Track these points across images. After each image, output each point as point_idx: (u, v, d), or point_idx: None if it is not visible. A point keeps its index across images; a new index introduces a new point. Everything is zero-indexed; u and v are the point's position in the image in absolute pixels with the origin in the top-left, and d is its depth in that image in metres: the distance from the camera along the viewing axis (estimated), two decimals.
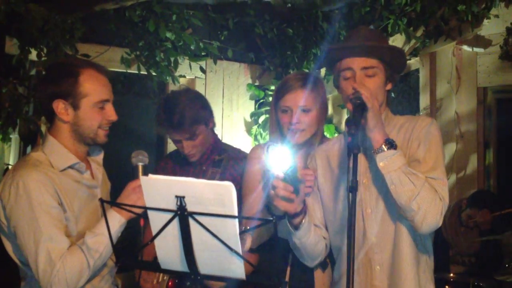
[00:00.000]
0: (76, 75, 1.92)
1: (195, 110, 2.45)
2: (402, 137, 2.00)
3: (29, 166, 1.91)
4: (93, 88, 1.94)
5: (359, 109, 1.83)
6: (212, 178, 2.50)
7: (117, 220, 1.93)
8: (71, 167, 1.98)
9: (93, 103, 1.95)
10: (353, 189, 1.73)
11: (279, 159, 1.83)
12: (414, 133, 1.98)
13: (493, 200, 4.03)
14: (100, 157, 2.15)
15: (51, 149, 1.97)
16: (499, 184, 4.27)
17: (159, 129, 2.56)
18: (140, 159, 1.98)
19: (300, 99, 2.25)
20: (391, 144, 1.86)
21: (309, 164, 2.21)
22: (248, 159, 2.44)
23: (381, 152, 1.86)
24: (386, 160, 1.86)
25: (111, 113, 1.99)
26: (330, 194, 2.12)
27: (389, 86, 2.04)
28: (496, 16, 3.96)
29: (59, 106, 1.94)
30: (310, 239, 2.05)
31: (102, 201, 1.72)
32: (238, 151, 2.69)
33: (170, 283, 2.35)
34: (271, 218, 1.63)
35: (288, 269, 2.30)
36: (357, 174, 1.73)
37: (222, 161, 2.56)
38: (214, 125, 2.62)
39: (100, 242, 1.89)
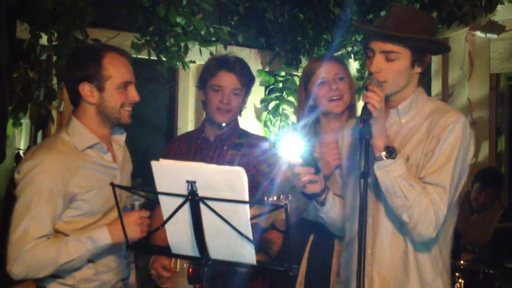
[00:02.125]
0: (100, 59, 2.02)
1: (247, 68, 2.53)
2: (426, 128, 1.95)
3: (51, 148, 2.00)
4: (116, 71, 2.03)
5: (367, 122, 1.85)
6: (231, 160, 2.45)
7: (104, 237, 1.97)
8: (91, 147, 2.06)
9: (117, 85, 2.03)
10: (365, 175, 1.76)
11: (292, 146, 1.88)
12: (436, 129, 1.92)
13: (498, 177, 4.04)
14: (122, 138, 2.23)
15: (74, 130, 2.06)
16: (511, 171, 4.24)
17: (208, 73, 2.50)
18: (136, 198, 2.02)
19: (333, 68, 2.39)
20: (390, 153, 1.86)
21: (338, 139, 2.25)
22: None
23: (380, 161, 1.87)
24: (384, 169, 1.86)
25: (133, 94, 2.08)
26: (344, 176, 2.19)
27: (418, 69, 1.98)
28: (510, 1, 3.90)
29: (85, 89, 2.03)
30: (336, 212, 2.12)
31: (113, 185, 1.74)
32: (259, 137, 2.67)
33: (190, 270, 2.35)
34: (283, 204, 1.64)
35: (307, 252, 2.35)
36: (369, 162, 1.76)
37: (242, 145, 2.51)
38: (241, 110, 2.60)
39: (79, 249, 1.94)
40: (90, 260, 2.01)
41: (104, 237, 1.98)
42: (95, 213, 2.04)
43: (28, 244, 1.90)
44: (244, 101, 2.55)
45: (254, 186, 2.40)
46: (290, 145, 1.88)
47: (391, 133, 1.99)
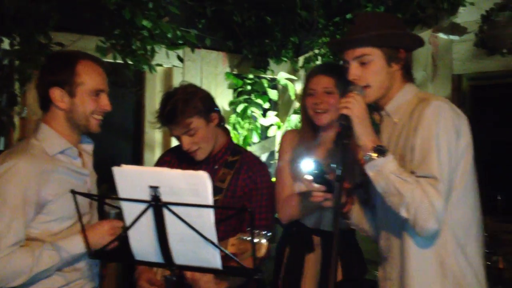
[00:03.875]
0: (74, 65, 2.02)
1: (190, 103, 2.33)
2: (414, 124, 1.91)
3: (23, 153, 1.98)
4: (88, 78, 2.04)
5: (345, 127, 1.87)
6: (222, 179, 2.40)
7: (78, 246, 1.96)
8: (62, 152, 2.05)
9: (88, 91, 2.04)
10: (340, 178, 1.78)
11: (303, 166, 1.97)
12: (414, 121, 1.90)
13: None
14: (90, 147, 2.23)
15: (44, 135, 2.05)
16: None
17: (159, 125, 2.42)
18: (113, 207, 2.01)
19: (323, 81, 2.42)
20: (379, 151, 1.85)
21: None
22: (280, 146, 2.59)
23: (370, 161, 1.86)
24: (375, 169, 1.86)
25: (105, 102, 2.09)
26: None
27: (396, 67, 1.99)
28: (472, 4, 4.00)
29: (56, 94, 2.03)
30: (368, 223, 2.14)
31: (74, 192, 1.71)
32: (254, 156, 2.59)
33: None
34: (245, 208, 1.64)
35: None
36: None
37: (235, 163, 2.46)
38: (221, 121, 2.47)
39: (53, 258, 1.93)
40: (60, 269, 1.98)
41: (78, 245, 1.96)
42: (68, 218, 2.02)
43: (1, 253, 1.87)
44: (209, 122, 2.39)
45: (241, 206, 2.37)
46: (302, 165, 1.97)
47: (387, 134, 2.01)
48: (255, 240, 1.79)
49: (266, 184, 2.48)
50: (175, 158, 2.55)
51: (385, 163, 1.84)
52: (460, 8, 4.03)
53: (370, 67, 1.96)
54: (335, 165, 1.80)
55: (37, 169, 1.95)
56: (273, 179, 2.59)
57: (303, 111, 2.52)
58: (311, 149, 2.47)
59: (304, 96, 2.50)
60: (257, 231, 1.84)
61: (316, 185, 2.03)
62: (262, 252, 1.81)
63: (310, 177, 2.00)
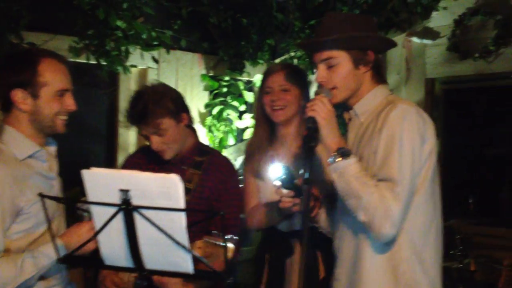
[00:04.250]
0: (36, 64, 1.92)
1: (160, 103, 2.31)
2: (379, 125, 1.90)
3: None
4: (52, 77, 1.94)
5: (312, 129, 1.87)
6: (190, 179, 2.39)
7: (60, 251, 1.85)
8: (32, 156, 1.97)
9: (52, 92, 1.95)
10: (307, 181, 1.78)
11: (272, 172, 1.99)
12: (379, 123, 1.90)
13: None
14: (54, 149, 2.12)
15: (11, 138, 1.96)
16: (445, 172, 4.38)
17: (128, 124, 2.42)
18: (86, 208, 1.92)
19: (279, 79, 2.48)
20: (343, 154, 1.86)
21: None
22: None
23: (333, 164, 1.87)
24: (338, 172, 1.86)
25: (70, 102, 1.99)
26: None
27: (364, 69, 1.98)
28: (445, 8, 4.05)
29: (18, 95, 1.93)
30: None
31: (42, 195, 1.68)
32: (222, 156, 2.60)
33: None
34: (217, 212, 1.64)
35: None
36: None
37: (203, 164, 2.44)
38: (190, 122, 2.46)
39: (35, 266, 1.87)
40: (41, 277, 1.92)
41: (54, 252, 1.84)
42: (39, 226, 1.95)
43: None
44: (179, 122, 2.39)
45: (208, 208, 2.36)
46: (271, 170, 1.99)
47: (354, 134, 2.02)
48: (222, 244, 1.79)
49: (235, 184, 2.48)
50: (142, 159, 2.53)
51: (346, 166, 1.85)
52: (433, 12, 4.08)
53: (336, 69, 1.97)
54: (303, 171, 1.80)
55: (10, 176, 1.87)
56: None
57: (259, 110, 2.56)
58: (267, 147, 2.52)
59: (261, 95, 2.55)
60: (226, 236, 1.84)
61: (284, 191, 2.04)
62: (229, 255, 1.82)
63: (278, 183, 2.01)
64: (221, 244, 1.79)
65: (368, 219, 1.81)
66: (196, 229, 2.14)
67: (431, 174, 1.90)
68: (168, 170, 2.37)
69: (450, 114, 4.54)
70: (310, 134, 1.87)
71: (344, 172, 1.85)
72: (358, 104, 2.01)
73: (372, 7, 4.06)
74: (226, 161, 2.57)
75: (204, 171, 2.42)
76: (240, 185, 2.57)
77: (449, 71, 4.16)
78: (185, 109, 2.42)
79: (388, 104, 1.93)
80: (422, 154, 1.86)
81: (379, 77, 2.04)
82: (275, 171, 2.00)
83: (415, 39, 4.19)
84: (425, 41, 4.23)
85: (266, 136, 2.55)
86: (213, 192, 2.40)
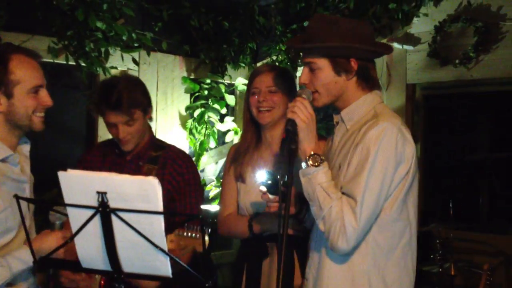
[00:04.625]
0: (6, 62, 1.85)
1: (134, 93, 2.35)
2: (358, 139, 1.89)
3: None
4: (25, 74, 1.86)
5: (291, 132, 1.87)
6: (147, 174, 2.33)
7: (27, 258, 1.82)
8: (3, 160, 1.90)
9: (27, 90, 1.88)
10: (287, 184, 1.79)
11: (257, 177, 2.02)
12: (363, 139, 1.87)
13: None
14: (27, 148, 2.06)
15: None
16: (425, 177, 4.42)
17: (95, 110, 2.42)
18: (58, 217, 1.90)
19: (266, 80, 2.46)
20: (315, 160, 1.87)
21: None
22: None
23: (305, 168, 1.89)
24: (306, 177, 1.88)
25: (46, 98, 1.93)
26: None
27: (346, 77, 1.96)
28: (425, 14, 4.08)
29: None
30: None
31: (17, 197, 1.63)
32: (177, 149, 2.60)
33: (102, 282, 2.25)
34: (195, 215, 1.62)
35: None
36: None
37: (159, 158, 2.45)
38: (151, 118, 2.51)
39: (3, 274, 1.81)
40: (9, 284, 1.87)
41: (27, 258, 1.82)
42: (8, 232, 1.90)
43: None
44: (145, 116, 2.44)
45: (169, 200, 2.36)
46: (257, 177, 2.02)
47: (338, 138, 2.01)
48: (193, 235, 1.82)
49: (193, 175, 2.50)
50: (98, 156, 2.54)
51: (316, 173, 1.86)
52: (414, 18, 4.11)
53: (318, 74, 1.97)
54: (284, 175, 1.80)
55: None
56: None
57: (246, 112, 2.53)
58: (253, 151, 2.50)
59: (247, 96, 2.52)
60: (196, 227, 1.84)
61: (271, 196, 2.03)
62: (199, 249, 1.83)
63: (264, 188, 2.01)
64: (195, 236, 1.78)
65: (326, 230, 1.84)
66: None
67: (404, 194, 1.88)
68: (124, 166, 2.42)
69: (431, 119, 4.58)
70: (289, 137, 1.86)
71: (311, 179, 1.86)
72: (345, 111, 2.01)
73: (353, 12, 4.07)
74: (183, 154, 2.58)
75: (161, 165, 2.44)
76: (199, 177, 2.59)
77: (429, 77, 4.19)
78: (150, 103, 2.47)
79: (374, 117, 1.92)
80: (395, 176, 1.85)
81: (367, 84, 2.01)
82: (260, 176, 2.00)
83: (396, 45, 4.22)
84: (406, 47, 4.26)
85: (253, 140, 2.53)
86: (173, 185, 2.41)
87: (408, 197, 1.91)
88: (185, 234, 1.84)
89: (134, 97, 2.34)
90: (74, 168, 2.39)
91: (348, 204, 1.80)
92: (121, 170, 2.38)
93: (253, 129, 2.53)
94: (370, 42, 2.01)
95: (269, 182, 2.00)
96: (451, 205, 3.75)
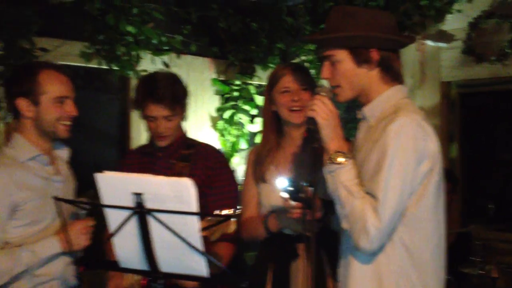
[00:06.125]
0: (36, 75, 2.12)
1: (177, 88, 2.42)
2: (377, 135, 1.83)
3: None
4: (51, 86, 2.13)
5: (312, 131, 1.83)
6: (180, 173, 2.39)
7: (53, 247, 2.06)
8: (33, 159, 2.15)
9: (51, 99, 2.13)
10: (312, 184, 1.76)
11: (278, 183, 2.00)
12: (382, 135, 1.81)
13: (451, 174, 4.08)
14: (65, 154, 2.33)
15: (15, 143, 2.16)
16: (464, 177, 4.33)
17: (138, 103, 2.43)
18: (82, 208, 2.07)
19: (298, 78, 2.39)
20: (339, 157, 1.81)
21: None
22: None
23: (328, 165, 1.83)
24: (330, 174, 1.83)
25: (70, 108, 2.17)
26: None
27: (367, 68, 1.88)
28: (459, 11, 4.01)
29: (22, 104, 2.13)
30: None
31: (56, 198, 1.69)
32: (209, 146, 2.62)
33: (143, 282, 2.27)
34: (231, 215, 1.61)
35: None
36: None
37: (190, 156, 2.46)
38: (186, 117, 2.54)
39: (31, 259, 2.03)
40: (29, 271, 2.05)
41: (53, 246, 2.05)
42: (39, 222, 2.11)
43: None
44: (183, 113, 2.48)
45: (202, 196, 2.36)
46: (277, 183, 2.00)
47: (363, 135, 1.94)
48: (224, 215, 1.84)
49: (225, 170, 2.51)
50: (135, 158, 2.59)
51: (339, 170, 1.80)
52: (447, 15, 4.04)
53: (338, 67, 1.91)
54: (306, 184, 1.77)
55: (8, 175, 2.06)
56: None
57: (268, 114, 2.46)
58: (276, 151, 2.45)
59: (270, 97, 2.44)
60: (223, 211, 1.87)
61: (293, 203, 1.99)
62: (231, 228, 1.87)
63: (286, 195, 1.97)
64: (222, 216, 1.83)
65: (349, 229, 1.79)
66: None
67: (431, 193, 1.81)
68: (156, 164, 2.44)
69: (467, 118, 4.48)
70: (311, 135, 1.83)
71: (334, 177, 1.81)
72: (367, 107, 1.93)
73: (384, 10, 4.02)
74: (214, 150, 2.58)
75: (193, 162, 2.44)
76: (231, 171, 2.58)
77: (465, 75, 4.11)
78: (188, 102, 2.51)
79: (394, 112, 1.84)
80: (417, 174, 1.77)
81: (390, 77, 1.92)
82: (281, 183, 1.97)
83: (429, 42, 4.15)
84: (440, 44, 4.18)
85: (276, 140, 2.48)
86: (203, 180, 2.38)
87: (437, 197, 1.84)
88: (214, 218, 1.86)
89: (176, 92, 2.39)
90: (114, 171, 2.50)
91: (370, 204, 1.74)
92: (153, 168, 2.40)
93: (275, 130, 2.47)
94: (392, 32, 1.93)
95: (291, 188, 1.95)
96: (490, 206, 3.65)
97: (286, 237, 2.36)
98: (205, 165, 2.45)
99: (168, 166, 2.43)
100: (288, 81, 2.40)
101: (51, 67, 2.19)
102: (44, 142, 2.19)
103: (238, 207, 2.49)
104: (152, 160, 2.49)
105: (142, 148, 2.65)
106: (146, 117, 2.42)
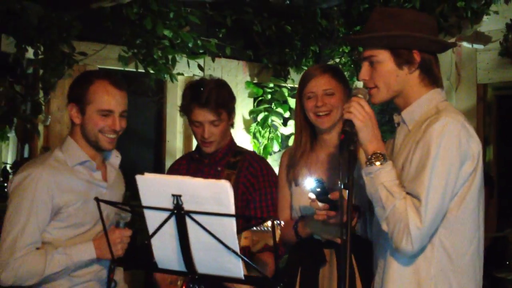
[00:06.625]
0: (88, 84, 2.13)
1: (223, 93, 2.42)
2: (419, 136, 1.81)
3: (43, 163, 2.12)
4: (99, 97, 2.11)
5: (349, 133, 1.81)
6: (228, 180, 2.41)
7: (89, 252, 2.08)
8: (81, 164, 2.17)
9: (96, 110, 2.11)
10: (347, 186, 1.70)
11: (306, 184, 1.97)
12: (424, 135, 1.76)
13: (488, 177, 3.99)
14: (117, 161, 2.33)
15: (67, 147, 2.18)
16: (500, 180, 4.26)
17: (184, 108, 2.47)
18: (123, 216, 2.10)
19: (323, 82, 2.35)
20: (378, 158, 1.79)
21: None
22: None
23: (366, 167, 1.81)
24: (369, 176, 1.81)
25: (114, 122, 2.13)
26: None
27: (409, 70, 1.86)
28: (496, 12, 3.94)
29: (72, 109, 2.16)
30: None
31: (97, 200, 1.73)
32: (255, 154, 2.62)
33: (184, 286, 2.30)
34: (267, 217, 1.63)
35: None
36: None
37: (237, 163, 2.47)
38: (233, 124, 2.54)
39: (64, 262, 2.05)
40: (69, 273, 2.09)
41: (89, 252, 2.08)
42: (80, 226, 2.14)
43: (18, 252, 2.00)
44: (229, 120, 2.49)
45: (245, 202, 2.39)
46: (306, 184, 1.98)
47: (400, 140, 1.92)
48: (265, 229, 1.80)
49: (268, 178, 2.48)
50: (183, 164, 2.61)
51: (379, 172, 1.78)
52: (484, 16, 3.97)
53: (378, 68, 1.88)
54: (341, 186, 1.75)
55: (53, 178, 2.07)
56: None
57: (299, 115, 2.44)
58: (309, 154, 2.43)
59: (300, 101, 2.42)
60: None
61: (320, 204, 1.99)
62: (276, 237, 1.79)
63: (313, 196, 1.97)
64: (266, 229, 1.79)
65: (390, 231, 1.76)
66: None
67: (472, 195, 1.79)
68: (202, 171, 2.46)
69: (503, 120, 4.40)
70: (348, 138, 1.80)
71: (374, 178, 1.79)
72: (406, 111, 1.91)
73: (420, 11, 3.99)
74: (259, 158, 2.59)
75: (239, 169, 2.45)
76: (276, 179, 2.53)
77: (502, 77, 4.04)
78: (234, 107, 2.51)
79: (436, 113, 1.82)
80: (460, 175, 1.75)
81: (429, 80, 1.90)
82: (309, 184, 1.95)
83: (466, 44, 4.09)
84: (476, 46, 4.12)
85: (309, 143, 2.48)
86: (247, 186, 2.43)
87: (478, 199, 1.82)
88: (257, 228, 1.85)
89: (222, 97, 2.40)
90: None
91: (412, 205, 1.72)
92: (199, 174, 2.42)
93: (307, 133, 2.44)
94: (434, 34, 1.91)
95: (318, 189, 1.95)
96: None
97: (315, 242, 2.36)
98: (249, 172, 2.45)
99: (214, 173, 2.45)
100: (312, 86, 2.36)
101: (107, 78, 2.15)
102: (91, 149, 2.19)
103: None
104: (199, 166, 2.50)
105: (190, 154, 2.67)
106: (192, 122, 2.44)
